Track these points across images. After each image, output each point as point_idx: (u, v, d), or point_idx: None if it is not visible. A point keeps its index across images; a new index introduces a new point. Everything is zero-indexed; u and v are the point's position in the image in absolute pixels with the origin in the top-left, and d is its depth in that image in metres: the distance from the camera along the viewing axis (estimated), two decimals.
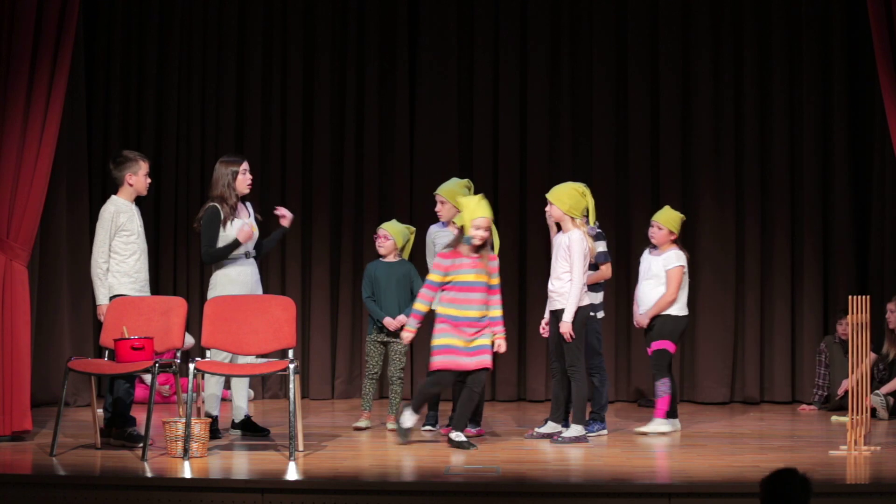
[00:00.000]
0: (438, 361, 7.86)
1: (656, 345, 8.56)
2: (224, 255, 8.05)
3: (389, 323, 8.63)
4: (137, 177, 7.99)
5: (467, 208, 7.91)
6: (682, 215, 8.77)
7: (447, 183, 8.74)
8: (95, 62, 10.54)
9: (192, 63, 10.74)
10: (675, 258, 8.61)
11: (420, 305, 7.95)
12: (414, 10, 10.83)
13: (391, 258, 8.79)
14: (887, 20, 7.89)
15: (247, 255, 8.16)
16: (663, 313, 8.54)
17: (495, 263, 7.98)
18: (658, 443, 8.21)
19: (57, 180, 9.05)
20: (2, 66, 7.90)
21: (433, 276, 7.92)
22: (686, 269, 8.64)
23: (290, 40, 10.76)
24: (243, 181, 8.14)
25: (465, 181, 8.78)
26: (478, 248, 7.88)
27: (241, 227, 8.06)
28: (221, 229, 8.06)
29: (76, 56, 8.90)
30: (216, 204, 8.10)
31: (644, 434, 8.39)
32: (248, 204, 8.28)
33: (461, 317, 7.84)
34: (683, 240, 9.14)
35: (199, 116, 10.74)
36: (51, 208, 9.12)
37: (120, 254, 7.90)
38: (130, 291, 7.88)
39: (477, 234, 7.85)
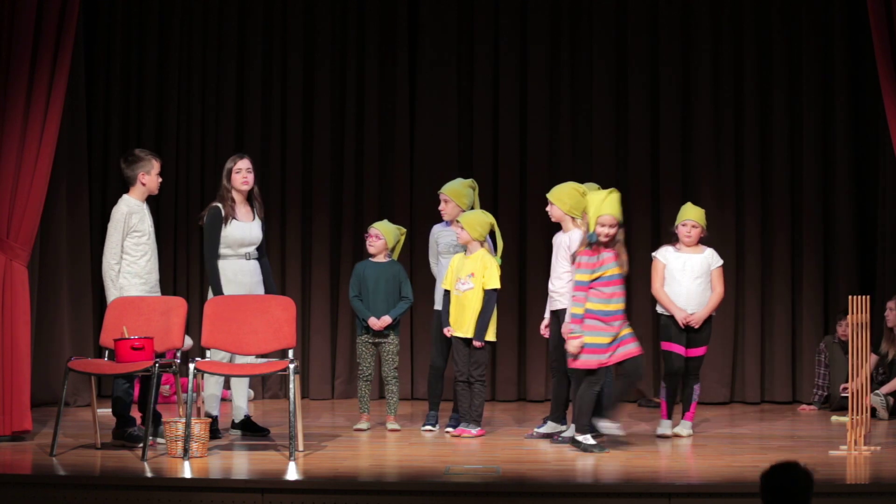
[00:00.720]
0: (585, 360, 7.69)
1: (705, 349, 8.48)
2: (212, 282, 8.03)
3: (374, 323, 8.57)
4: (150, 176, 7.95)
5: (593, 204, 7.67)
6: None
7: (452, 182, 8.72)
8: (95, 62, 10.54)
9: (192, 63, 10.73)
10: (717, 256, 8.53)
11: (577, 309, 7.66)
12: (414, 10, 10.82)
13: (381, 258, 8.74)
14: (887, 20, 7.88)
15: (247, 256, 8.15)
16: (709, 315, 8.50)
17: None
18: (658, 443, 8.21)
19: (57, 180, 9.04)
20: (2, 66, 7.90)
21: (582, 277, 7.65)
22: None
23: (290, 40, 10.75)
24: (237, 179, 8.10)
25: (470, 181, 8.76)
26: (607, 244, 7.67)
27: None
28: (224, 227, 8.06)
29: (76, 56, 8.89)
30: (218, 204, 8.10)
31: (681, 436, 8.31)
32: (255, 206, 8.22)
33: (611, 311, 7.70)
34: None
35: (200, 116, 10.73)
36: (51, 208, 9.11)
37: (131, 255, 7.88)
38: (140, 293, 7.84)
39: (602, 232, 7.63)
